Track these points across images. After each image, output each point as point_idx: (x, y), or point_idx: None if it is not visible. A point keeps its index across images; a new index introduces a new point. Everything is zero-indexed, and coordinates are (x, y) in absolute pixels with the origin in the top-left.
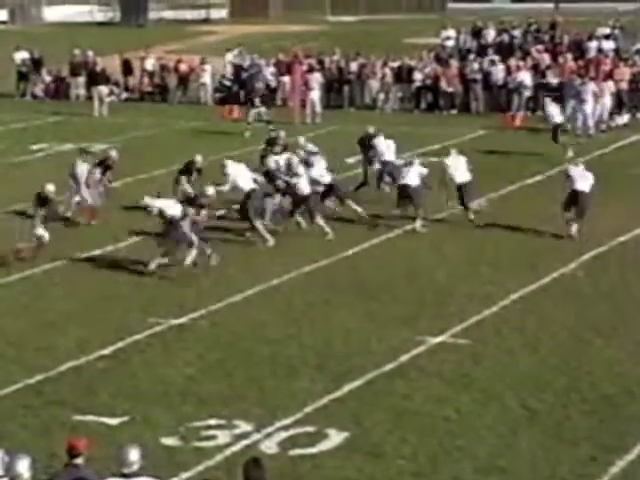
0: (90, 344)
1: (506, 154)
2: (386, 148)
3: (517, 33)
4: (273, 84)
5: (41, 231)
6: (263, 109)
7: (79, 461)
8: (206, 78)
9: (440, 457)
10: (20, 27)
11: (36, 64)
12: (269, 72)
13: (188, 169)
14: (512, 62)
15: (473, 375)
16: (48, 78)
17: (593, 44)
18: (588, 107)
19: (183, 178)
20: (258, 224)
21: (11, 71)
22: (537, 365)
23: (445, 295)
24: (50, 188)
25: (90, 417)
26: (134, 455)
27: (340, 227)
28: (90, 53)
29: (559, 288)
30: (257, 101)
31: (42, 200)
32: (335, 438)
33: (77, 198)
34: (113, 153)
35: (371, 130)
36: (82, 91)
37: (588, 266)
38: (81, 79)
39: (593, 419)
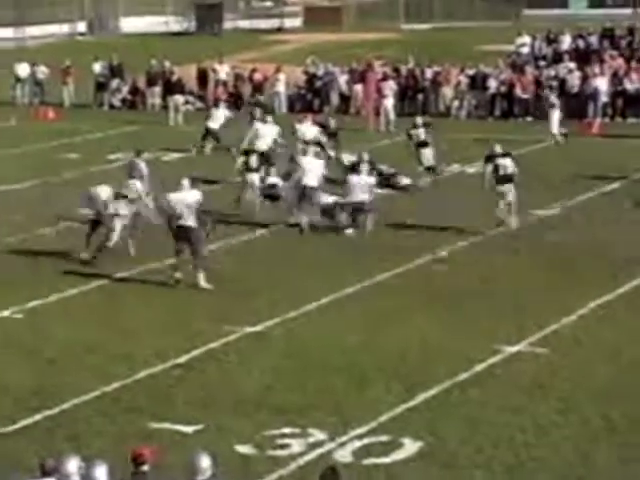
0: (166, 352)
1: (583, 161)
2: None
3: (593, 39)
4: (347, 92)
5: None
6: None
7: (145, 468)
8: (280, 87)
9: (516, 468)
10: (98, 38)
11: (116, 72)
12: (343, 80)
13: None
14: (588, 69)
15: (551, 385)
16: (125, 88)
17: None
18: None
19: None
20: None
21: (89, 81)
22: (617, 375)
23: (522, 304)
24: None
25: (166, 425)
26: (205, 462)
27: (412, 234)
28: (167, 63)
29: (638, 296)
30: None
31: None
32: (410, 447)
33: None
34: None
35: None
36: (158, 100)
37: None
38: (157, 89)
39: None
